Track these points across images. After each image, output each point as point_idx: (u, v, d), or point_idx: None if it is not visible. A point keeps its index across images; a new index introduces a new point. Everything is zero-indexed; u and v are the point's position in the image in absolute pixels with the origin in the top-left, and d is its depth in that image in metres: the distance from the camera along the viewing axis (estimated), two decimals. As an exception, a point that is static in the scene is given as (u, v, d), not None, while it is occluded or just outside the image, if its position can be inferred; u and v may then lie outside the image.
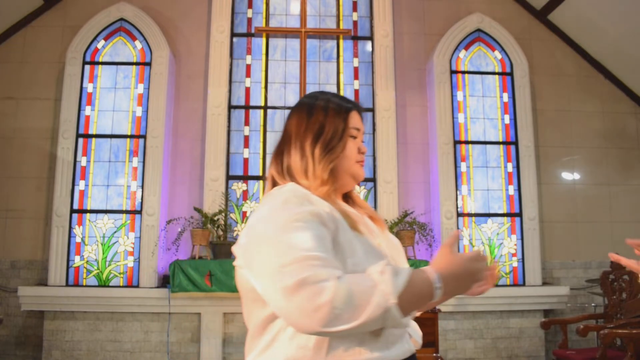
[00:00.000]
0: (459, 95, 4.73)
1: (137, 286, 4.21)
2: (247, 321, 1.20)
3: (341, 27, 4.92)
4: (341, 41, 4.89)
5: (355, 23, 4.95)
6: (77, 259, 4.27)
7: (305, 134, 1.20)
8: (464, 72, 4.77)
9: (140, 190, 4.37)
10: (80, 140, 4.43)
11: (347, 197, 1.30)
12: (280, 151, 1.24)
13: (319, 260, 0.98)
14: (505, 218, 4.60)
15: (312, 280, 0.95)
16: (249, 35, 4.86)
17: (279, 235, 1.03)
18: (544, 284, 4.53)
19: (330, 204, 1.13)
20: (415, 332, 1.23)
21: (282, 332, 1.10)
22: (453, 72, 4.73)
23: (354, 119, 1.24)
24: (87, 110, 4.48)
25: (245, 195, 4.60)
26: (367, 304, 0.94)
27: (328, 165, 1.17)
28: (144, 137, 4.44)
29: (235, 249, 1.17)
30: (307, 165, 1.18)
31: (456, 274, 1.03)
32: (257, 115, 4.74)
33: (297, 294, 0.95)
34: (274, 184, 1.23)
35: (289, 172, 1.20)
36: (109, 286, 4.22)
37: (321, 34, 4.87)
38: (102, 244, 4.30)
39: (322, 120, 1.20)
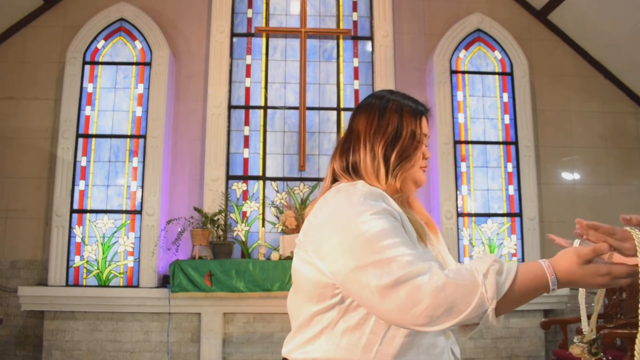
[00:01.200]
0: (459, 95, 4.73)
1: (137, 286, 4.21)
2: (292, 314, 1.20)
3: (341, 27, 4.92)
4: (341, 41, 4.89)
5: (355, 23, 4.95)
6: (77, 259, 4.27)
7: (375, 136, 1.18)
8: (464, 72, 4.77)
9: (140, 190, 4.37)
10: (80, 140, 4.42)
11: (413, 206, 1.28)
12: (347, 148, 1.21)
13: (410, 257, 0.97)
14: (505, 218, 4.60)
15: (409, 276, 0.94)
16: (249, 35, 4.86)
17: (363, 230, 1.01)
18: (544, 284, 4.53)
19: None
20: (455, 346, 1.23)
21: (330, 327, 1.10)
22: (453, 72, 4.73)
23: (425, 126, 1.23)
24: (87, 110, 4.48)
25: (245, 195, 4.60)
26: (467, 306, 0.92)
27: (402, 175, 1.17)
28: (144, 137, 4.44)
29: (300, 241, 1.16)
30: (379, 169, 1.16)
31: (576, 283, 0.97)
32: (257, 115, 4.74)
33: (395, 292, 0.94)
34: (334, 179, 1.22)
35: (355, 171, 1.18)
36: (109, 286, 4.22)
37: (321, 34, 4.87)
38: (102, 244, 4.30)
39: (397, 125, 1.18)
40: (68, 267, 4.22)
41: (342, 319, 1.09)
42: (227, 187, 4.55)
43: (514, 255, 4.53)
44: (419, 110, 1.23)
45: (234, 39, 4.82)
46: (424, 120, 1.23)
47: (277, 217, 4.52)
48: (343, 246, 1.02)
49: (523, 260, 4.48)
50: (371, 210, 1.04)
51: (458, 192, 4.56)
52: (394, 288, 0.94)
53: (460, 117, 4.70)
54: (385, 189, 1.14)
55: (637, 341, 0.94)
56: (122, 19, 4.59)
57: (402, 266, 0.95)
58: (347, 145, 1.22)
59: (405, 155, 1.17)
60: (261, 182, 4.63)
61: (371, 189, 1.12)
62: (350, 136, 1.22)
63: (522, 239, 4.52)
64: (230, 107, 4.69)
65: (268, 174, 4.66)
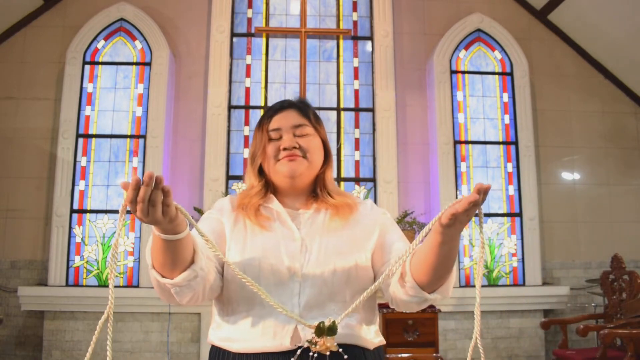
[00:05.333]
0: (459, 95, 4.73)
1: (137, 286, 4.21)
2: None
3: (341, 27, 4.92)
4: (341, 41, 4.89)
5: (355, 23, 4.94)
6: (77, 259, 4.27)
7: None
8: (464, 72, 4.77)
9: (140, 190, 4.36)
10: (80, 140, 4.43)
11: (324, 192, 1.36)
12: None
13: None
14: (505, 218, 4.59)
15: None
16: (249, 35, 4.86)
17: None
18: (544, 284, 4.53)
19: (259, 202, 1.30)
20: (357, 335, 1.21)
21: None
22: (453, 72, 4.73)
23: (274, 122, 1.33)
24: (87, 110, 4.48)
25: (245, 195, 4.59)
26: (153, 280, 1.13)
27: (252, 172, 1.35)
28: (144, 137, 4.44)
29: None
30: (245, 175, 1.39)
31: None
32: (257, 115, 4.74)
33: None
34: None
35: None
36: (109, 286, 4.21)
37: (321, 34, 4.87)
38: (102, 244, 4.30)
39: (252, 139, 1.38)
40: (68, 267, 4.22)
41: None
42: (227, 187, 4.55)
43: (514, 255, 4.53)
44: (265, 117, 1.36)
45: (234, 39, 4.82)
46: (275, 119, 1.34)
47: (277, 217, 4.52)
48: None
49: (523, 260, 4.48)
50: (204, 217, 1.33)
51: (458, 192, 4.56)
52: None
53: (460, 117, 4.70)
54: (253, 185, 1.34)
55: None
56: (122, 19, 4.59)
57: None
58: None
59: (252, 158, 1.35)
60: (261, 182, 4.63)
61: (221, 200, 1.37)
62: None
63: (522, 239, 4.52)
64: (230, 107, 4.69)
65: (268, 174, 4.65)
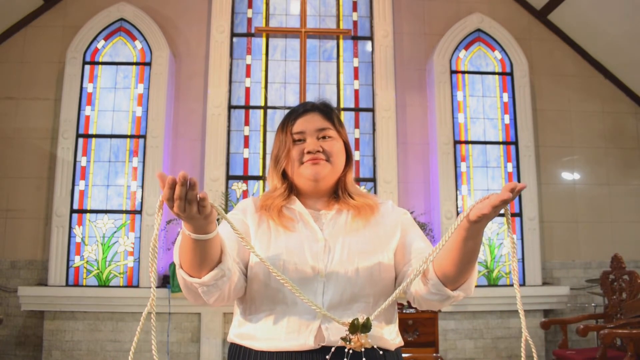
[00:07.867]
0: (459, 95, 4.73)
1: (137, 286, 4.21)
2: None
3: (341, 27, 4.92)
4: (341, 41, 4.89)
5: (355, 23, 4.95)
6: (77, 259, 4.27)
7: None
8: (464, 72, 4.77)
9: (140, 190, 4.37)
10: (80, 140, 4.43)
11: (345, 194, 1.37)
12: None
13: None
14: (505, 218, 4.58)
15: None
16: (249, 35, 4.86)
17: None
18: (544, 284, 4.53)
19: (282, 204, 1.32)
20: (379, 336, 1.21)
21: None
22: (453, 72, 4.73)
23: (298, 125, 1.34)
24: (87, 110, 4.48)
25: (245, 195, 4.60)
26: (179, 277, 1.15)
27: (275, 174, 1.36)
28: (144, 137, 4.44)
29: None
30: (268, 176, 1.40)
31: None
32: (257, 115, 4.75)
33: None
34: None
35: None
36: (109, 286, 4.22)
37: (321, 34, 4.87)
38: (102, 244, 4.30)
39: (275, 140, 1.39)
40: (68, 267, 4.22)
41: None
42: (227, 187, 4.55)
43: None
44: (291, 119, 1.37)
45: (234, 39, 4.82)
46: (299, 122, 1.35)
47: (277, 217, 4.51)
48: None
49: (523, 260, 4.48)
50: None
51: (458, 192, 4.56)
52: None
53: (460, 117, 4.70)
54: (270, 188, 1.38)
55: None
56: (122, 19, 4.59)
57: None
58: None
59: (277, 160, 1.36)
60: (261, 182, 4.64)
61: (243, 201, 1.38)
62: None
63: (522, 239, 4.52)
64: (230, 107, 4.69)
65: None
